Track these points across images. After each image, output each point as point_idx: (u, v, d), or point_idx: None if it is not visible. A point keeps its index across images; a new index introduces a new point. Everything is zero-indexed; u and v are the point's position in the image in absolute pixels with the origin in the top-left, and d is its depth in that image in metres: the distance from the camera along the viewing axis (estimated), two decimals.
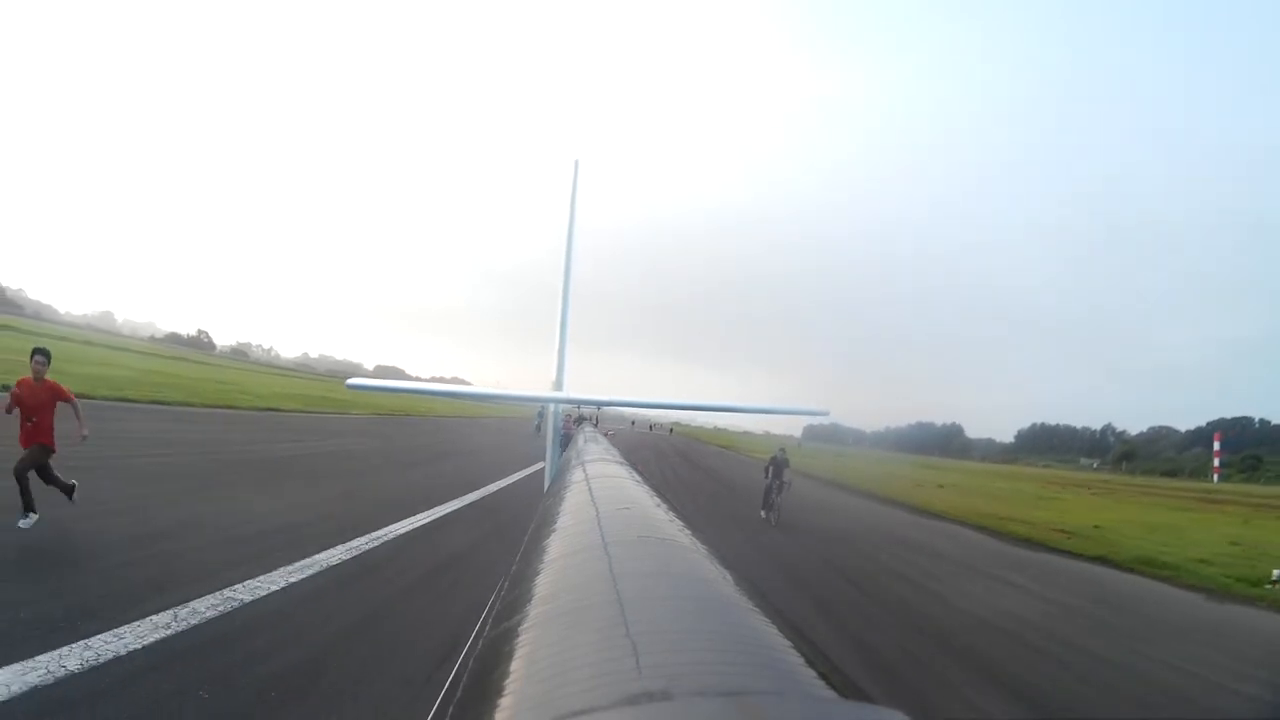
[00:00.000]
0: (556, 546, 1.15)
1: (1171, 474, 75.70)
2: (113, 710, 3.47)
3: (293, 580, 5.95)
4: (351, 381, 4.96)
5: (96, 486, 7.66)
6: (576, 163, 6.47)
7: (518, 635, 0.73)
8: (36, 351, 6.64)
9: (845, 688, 0.56)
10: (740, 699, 0.47)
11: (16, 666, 3.69)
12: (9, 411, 6.56)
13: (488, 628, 0.86)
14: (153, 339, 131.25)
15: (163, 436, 14.41)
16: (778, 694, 0.53)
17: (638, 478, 2.12)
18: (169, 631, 4.50)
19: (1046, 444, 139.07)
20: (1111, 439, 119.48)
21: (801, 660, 0.61)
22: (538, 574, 0.98)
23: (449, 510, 10.63)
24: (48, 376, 6.67)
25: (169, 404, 20.69)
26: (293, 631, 4.92)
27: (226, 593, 5.35)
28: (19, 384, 6.53)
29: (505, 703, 0.56)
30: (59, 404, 6.67)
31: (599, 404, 5.64)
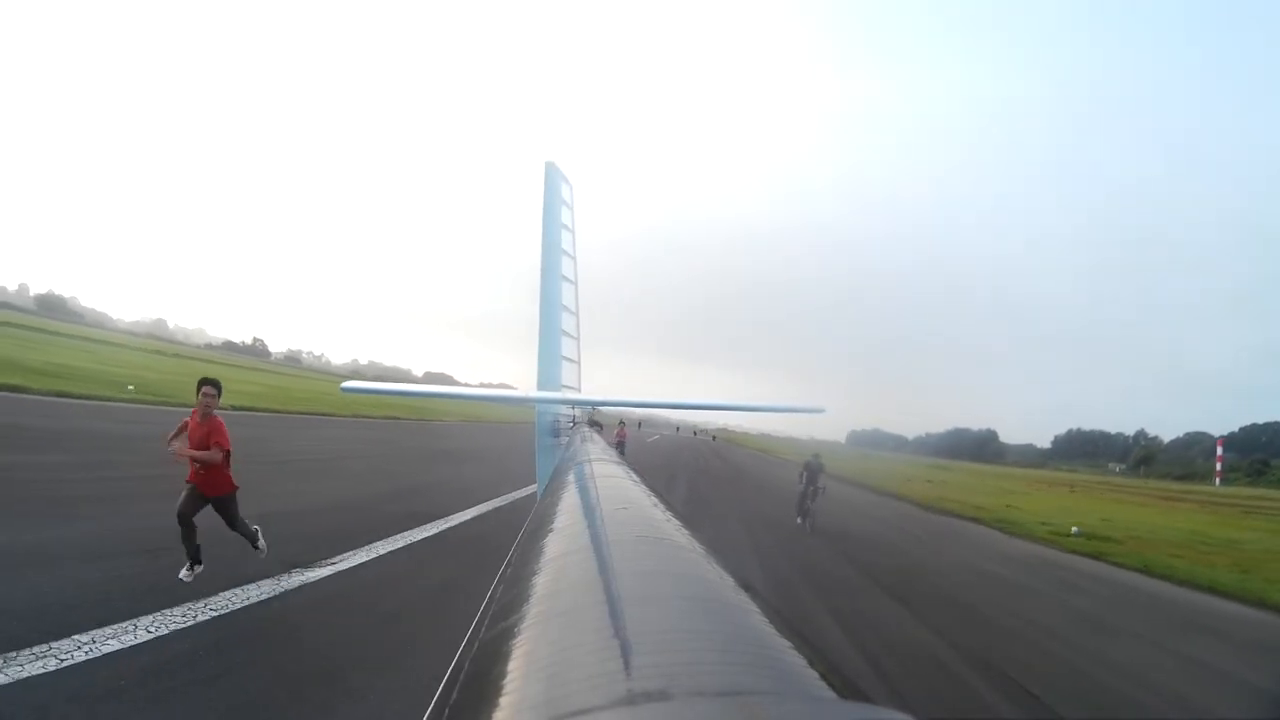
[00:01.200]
0: (554, 546, 1.15)
1: (1187, 477, 78.82)
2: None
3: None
4: (346, 385, 5.06)
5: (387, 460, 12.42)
6: (548, 164, 6.49)
7: (515, 635, 0.73)
8: (205, 383, 5.82)
9: (844, 688, 0.56)
10: (738, 699, 0.49)
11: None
12: (170, 445, 5.75)
13: (484, 627, 0.87)
14: (209, 346, 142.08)
15: (366, 436, 21.77)
16: (776, 694, 0.53)
17: (635, 477, 2.18)
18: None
19: (1081, 449, 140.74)
20: (1143, 444, 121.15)
21: (800, 660, 0.61)
22: (535, 573, 0.99)
23: None
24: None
25: (320, 414, 27.07)
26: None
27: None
28: (187, 420, 5.84)
29: (502, 703, 0.56)
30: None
31: (594, 404, 5.89)
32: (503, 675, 0.62)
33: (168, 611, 4.88)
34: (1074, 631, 8.52)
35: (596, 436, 5.09)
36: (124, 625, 4.50)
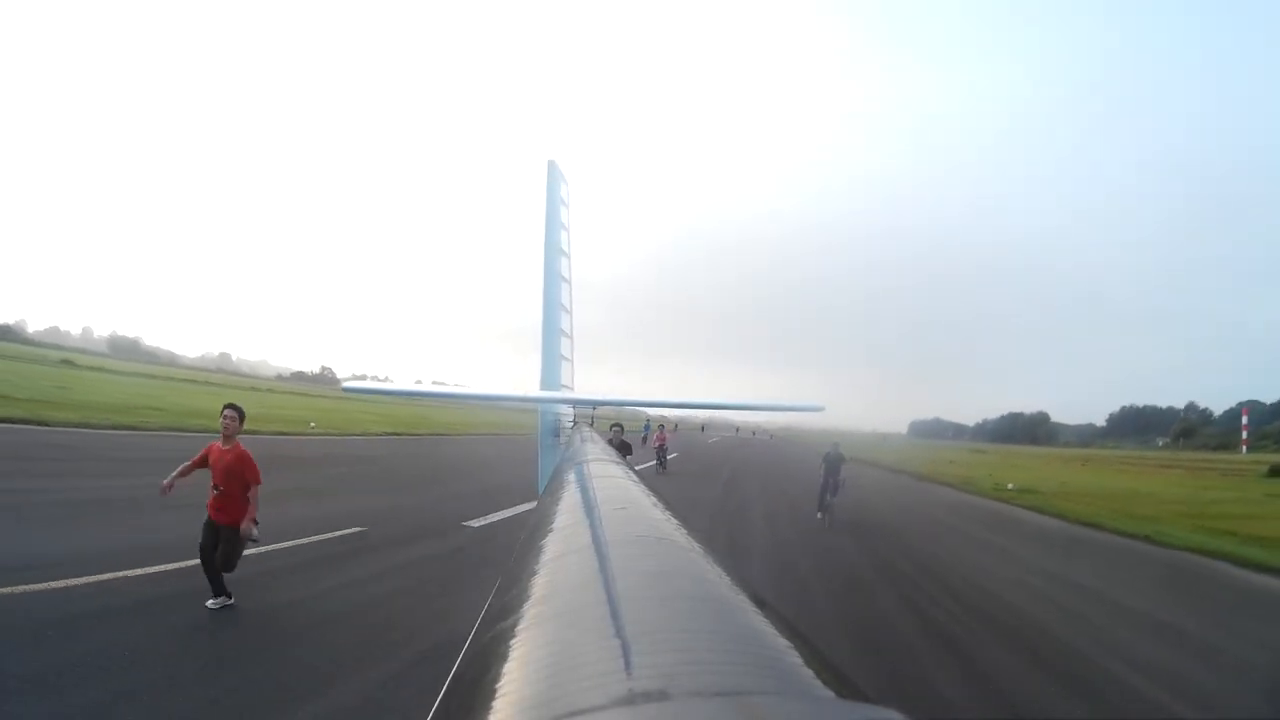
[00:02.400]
0: (554, 546, 1.16)
1: (1223, 448, 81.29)
2: None
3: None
4: (347, 385, 5.20)
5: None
6: (550, 163, 6.54)
7: (514, 635, 0.74)
8: (227, 407, 5.76)
9: (843, 687, 0.57)
10: (738, 699, 0.50)
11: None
12: (185, 475, 5.59)
13: (484, 627, 0.88)
14: (279, 377, 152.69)
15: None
16: (775, 694, 0.54)
17: (635, 477, 2.17)
18: None
19: (1134, 426, 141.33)
20: (1193, 416, 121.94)
21: (799, 660, 0.62)
22: (535, 574, 1.00)
23: None
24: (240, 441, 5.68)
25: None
26: None
27: None
28: (208, 448, 5.65)
29: (502, 703, 0.57)
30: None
31: (595, 404, 5.64)
32: (503, 675, 0.64)
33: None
34: (949, 531, 15.49)
35: (597, 436, 4.94)
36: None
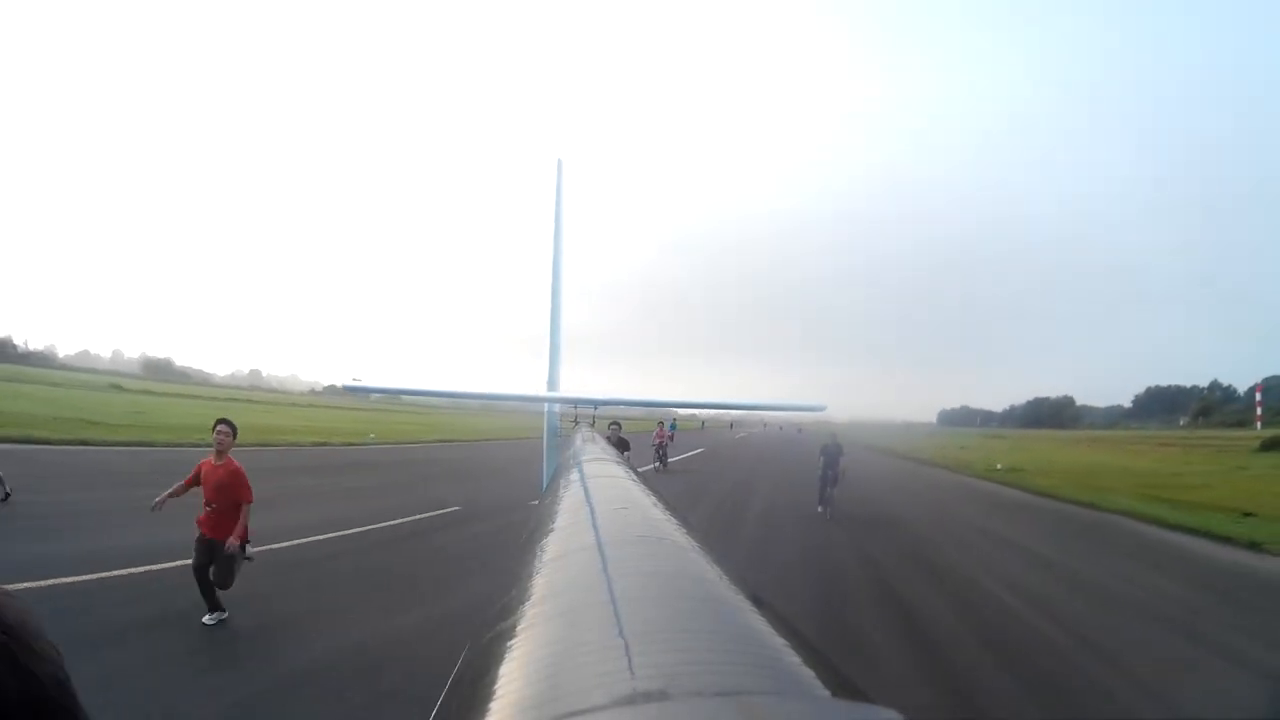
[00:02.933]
0: (554, 546, 1.18)
1: (1240, 425, 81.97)
2: None
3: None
4: (350, 384, 5.27)
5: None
6: (559, 162, 6.41)
7: (515, 635, 0.75)
8: (220, 422, 5.59)
9: (842, 687, 0.58)
10: (737, 699, 0.51)
11: None
12: (178, 494, 5.54)
13: (485, 628, 0.89)
14: (313, 391, 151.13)
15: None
16: (775, 694, 0.55)
17: (635, 477, 2.23)
18: None
19: (1159, 406, 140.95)
20: (1216, 394, 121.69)
21: (799, 660, 0.63)
22: (535, 574, 1.01)
23: None
24: (233, 456, 5.59)
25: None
26: None
27: None
28: (200, 465, 5.57)
29: (502, 703, 0.58)
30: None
31: (596, 403, 5.63)
32: (504, 675, 0.65)
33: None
34: (923, 502, 18.52)
35: (598, 436, 4.77)
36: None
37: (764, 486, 19.76)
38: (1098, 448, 51.47)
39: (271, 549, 7.71)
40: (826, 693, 0.58)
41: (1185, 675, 6.08)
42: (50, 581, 5.99)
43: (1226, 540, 12.66)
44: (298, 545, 8.45)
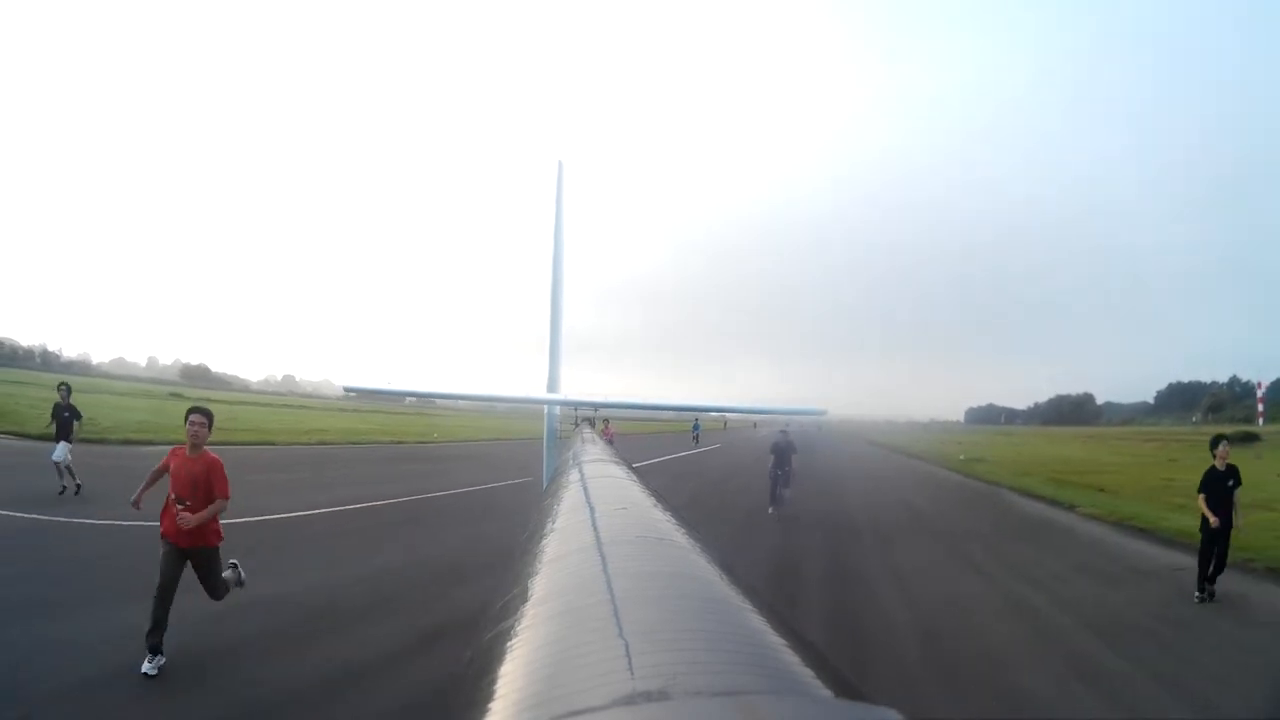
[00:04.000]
0: (554, 546, 1.20)
1: (1246, 421, 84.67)
2: None
3: None
4: (348, 384, 5.40)
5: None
6: (560, 164, 6.43)
7: (514, 635, 0.77)
8: (194, 411, 5.11)
9: (842, 687, 0.59)
10: (737, 699, 0.52)
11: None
12: (152, 484, 5.16)
13: (485, 627, 0.90)
14: (346, 395, 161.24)
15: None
16: (774, 694, 0.56)
17: (635, 477, 2.26)
18: None
19: (1180, 402, 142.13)
20: (1237, 390, 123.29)
21: (798, 660, 0.64)
22: (535, 574, 1.03)
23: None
24: (209, 449, 5.08)
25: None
26: None
27: None
28: (171, 453, 5.10)
29: (502, 703, 0.59)
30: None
31: (596, 406, 5.60)
32: (504, 675, 0.66)
33: None
34: (879, 480, 23.99)
35: (598, 437, 4.88)
36: None
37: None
38: (1086, 444, 55.74)
39: (490, 488, 14.36)
40: (826, 692, 0.59)
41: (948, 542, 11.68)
42: (341, 508, 11.85)
43: (1053, 502, 17.90)
44: (501, 487, 14.28)
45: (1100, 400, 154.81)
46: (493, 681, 0.65)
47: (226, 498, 5.11)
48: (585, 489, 1.93)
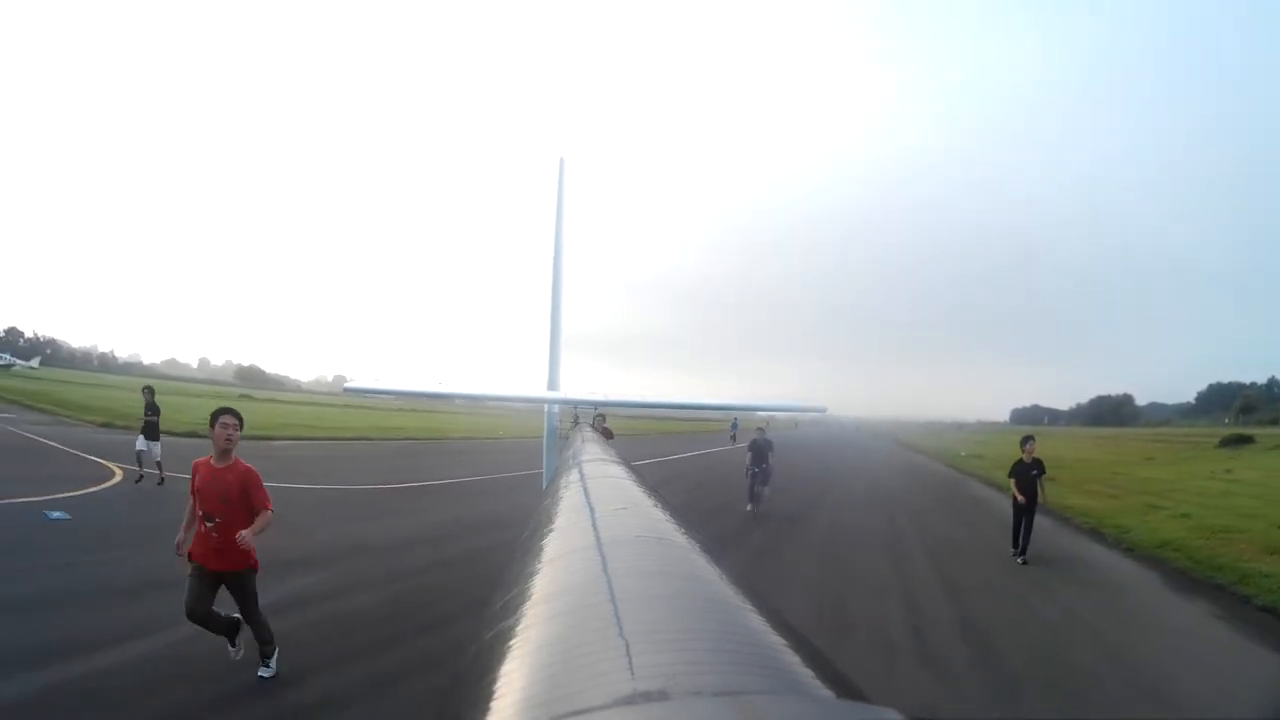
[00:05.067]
0: (554, 546, 1.20)
1: (1275, 422, 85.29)
2: None
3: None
4: (348, 386, 5.52)
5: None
6: (562, 160, 6.37)
7: (514, 635, 0.77)
8: (224, 412, 4.47)
9: (842, 687, 0.59)
10: (737, 698, 0.52)
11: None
12: (189, 526, 4.49)
13: (485, 627, 0.90)
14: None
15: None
16: (774, 693, 0.56)
17: (635, 477, 2.26)
18: None
19: (1219, 402, 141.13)
20: (1276, 391, 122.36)
21: (798, 659, 0.64)
22: (535, 574, 1.03)
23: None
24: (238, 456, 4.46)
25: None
26: None
27: None
28: (194, 468, 4.43)
29: (502, 703, 0.59)
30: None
31: (596, 404, 5.57)
32: (504, 675, 0.66)
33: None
34: (877, 468, 29.16)
35: (598, 436, 4.68)
36: None
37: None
38: (1096, 444, 58.33)
39: None
40: (826, 693, 0.59)
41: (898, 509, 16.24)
42: (469, 479, 17.12)
43: (999, 488, 22.72)
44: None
45: (1145, 401, 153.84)
46: (493, 681, 0.66)
47: (269, 509, 4.46)
48: (585, 488, 1.94)
